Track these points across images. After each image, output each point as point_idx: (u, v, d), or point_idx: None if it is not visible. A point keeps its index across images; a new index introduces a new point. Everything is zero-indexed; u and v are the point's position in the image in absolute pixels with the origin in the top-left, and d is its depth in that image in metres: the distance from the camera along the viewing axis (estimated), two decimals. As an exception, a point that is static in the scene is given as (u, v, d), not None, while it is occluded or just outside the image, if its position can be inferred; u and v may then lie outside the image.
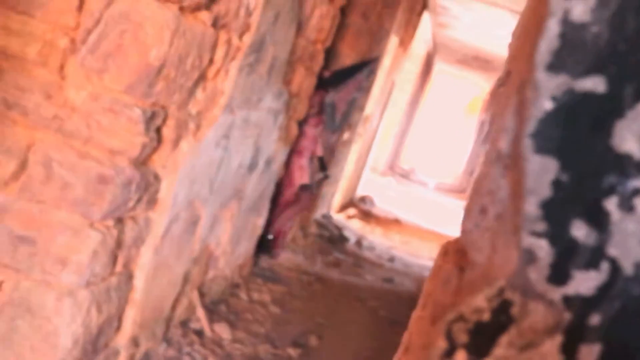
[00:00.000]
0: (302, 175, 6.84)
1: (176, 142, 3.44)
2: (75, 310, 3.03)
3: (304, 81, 5.64)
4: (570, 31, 0.49)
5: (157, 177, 3.39)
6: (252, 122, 4.62)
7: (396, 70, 12.55)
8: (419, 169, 27.05)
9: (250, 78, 4.17)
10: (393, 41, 10.26)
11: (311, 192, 7.00)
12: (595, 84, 0.48)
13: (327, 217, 9.72)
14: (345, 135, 8.97)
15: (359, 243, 9.17)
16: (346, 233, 9.31)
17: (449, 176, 30.00)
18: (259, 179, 5.40)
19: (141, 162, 3.22)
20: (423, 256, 10.13)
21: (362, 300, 6.77)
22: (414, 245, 10.73)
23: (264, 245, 6.81)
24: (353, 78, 7.04)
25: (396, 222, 12.48)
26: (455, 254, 0.53)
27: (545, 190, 0.48)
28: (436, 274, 0.57)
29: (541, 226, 0.48)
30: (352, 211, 11.34)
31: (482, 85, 27.26)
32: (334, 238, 8.75)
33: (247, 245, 5.81)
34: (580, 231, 0.48)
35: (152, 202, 3.44)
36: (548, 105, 0.49)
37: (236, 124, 4.25)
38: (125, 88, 2.98)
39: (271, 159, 5.54)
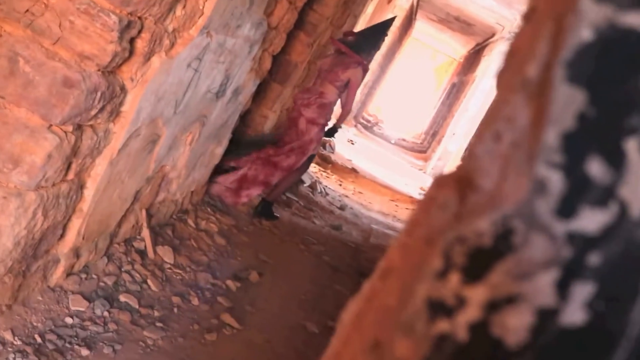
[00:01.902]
0: (315, 147, 6.87)
1: (148, 56, 3.34)
2: (21, 211, 2.95)
3: (284, 15, 5.54)
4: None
5: (123, 89, 3.29)
6: (227, 48, 4.52)
7: (377, 19, 12.45)
8: (384, 123, 27.08)
9: (232, 2, 4.06)
10: (379, -10, 10.14)
11: (312, 160, 7.05)
12: (638, 20, 0.46)
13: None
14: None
15: (312, 187, 9.16)
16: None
17: (411, 134, 30.13)
18: (225, 107, 5.31)
19: (110, 71, 3.12)
20: (373, 209, 10.17)
21: (308, 243, 6.78)
22: (367, 197, 10.76)
23: (266, 211, 6.79)
24: (379, 42, 7.03)
25: (353, 171, 12.49)
26: (456, 181, 0.51)
27: (568, 122, 0.47)
28: (429, 201, 0.55)
29: (558, 158, 0.47)
30: (310, 154, 11.30)
31: (457, 49, 27.28)
32: (289, 178, 8.72)
33: (203, 172, 5.75)
34: (595, 168, 0.47)
35: (115, 113, 3.35)
36: (587, 34, 0.47)
37: (211, 47, 4.16)
38: (105, -8, 2.87)
39: (240, 89, 5.45)
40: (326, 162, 11.77)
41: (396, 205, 11.46)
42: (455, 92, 24.28)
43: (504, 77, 0.54)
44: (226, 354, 4.06)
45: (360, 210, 9.51)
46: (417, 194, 13.29)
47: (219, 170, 6.41)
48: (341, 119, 7.05)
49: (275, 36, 5.71)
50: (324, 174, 10.87)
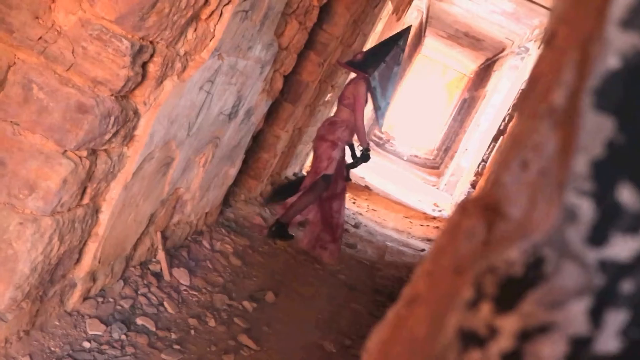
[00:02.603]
0: (328, 166, 6.78)
1: (160, 80, 3.36)
2: (37, 237, 2.96)
3: (295, 35, 5.56)
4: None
5: (136, 113, 3.31)
6: (239, 70, 4.54)
7: (387, 37, 12.47)
8: (396, 139, 27.07)
9: (243, 25, 4.08)
10: (388, 7, 10.17)
11: (329, 182, 6.95)
12: None
13: (298, 176, 9.68)
14: (328, 96, 8.91)
15: (326, 205, 9.15)
16: (315, 194, 9.28)
17: (424, 150, 30.10)
18: (238, 128, 5.33)
19: (123, 96, 3.14)
20: (388, 226, 10.15)
21: (323, 262, 6.77)
22: (381, 214, 10.74)
23: (281, 231, 6.76)
24: (390, 53, 6.96)
25: (366, 189, 12.49)
26: (482, 209, 0.51)
27: (597, 149, 0.47)
28: (455, 229, 0.55)
29: (588, 185, 0.47)
30: (323, 172, 11.29)
31: (467, 64, 27.29)
32: (302, 197, 8.72)
33: (217, 194, 5.76)
34: (626, 195, 0.47)
35: (129, 137, 3.36)
36: (614, 62, 0.47)
37: (222, 69, 4.17)
38: (117, 18, 2.88)
39: (252, 110, 5.47)
40: (339, 180, 11.76)
41: (410, 222, 11.43)
42: (466, 107, 24.26)
43: (527, 104, 0.54)
44: (244, 376, 4.05)
45: (374, 228, 9.49)
46: (431, 210, 13.26)
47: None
48: (360, 139, 6.92)
49: (286, 56, 5.73)
50: (337, 192, 10.86)
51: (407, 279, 5.02)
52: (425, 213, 12.76)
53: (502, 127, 12.07)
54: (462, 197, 13.19)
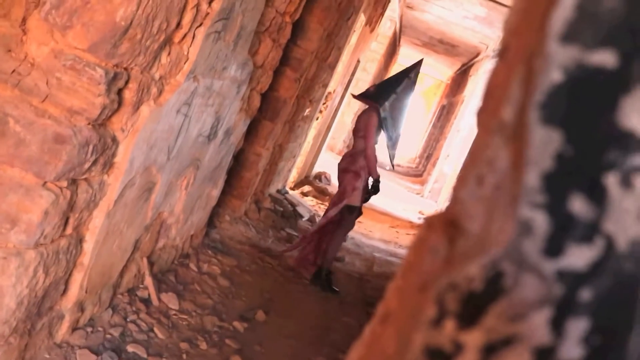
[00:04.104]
0: (352, 198, 6.73)
1: (137, 106, 3.36)
2: (22, 270, 2.94)
3: (269, 53, 5.57)
4: (586, 2, 0.48)
5: (114, 140, 3.31)
6: (215, 90, 4.54)
7: (362, 49, 12.53)
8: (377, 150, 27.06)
9: (216, 45, 4.09)
10: (361, 19, 10.21)
11: (358, 213, 6.90)
12: (605, 58, 0.48)
13: (282, 192, 9.68)
14: (307, 111, 8.92)
15: (312, 220, 9.16)
16: (300, 209, 9.29)
17: (405, 159, 30.17)
18: (218, 149, 5.33)
19: (100, 124, 3.13)
20: (374, 237, 10.16)
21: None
22: (367, 226, 10.75)
23: (326, 279, 6.69)
24: (401, 85, 6.95)
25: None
26: (444, 224, 0.52)
27: (547, 162, 0.48)
28: (421, 244, 0.56)
29: (540, 198, 0.48)
30: (307, 188, 11.32)
31: (443, 71, 27.42)
32: (287, 214, 8.72)
33: (201, 215, 5.75)
34: (578, 205, 0.48)
35: (108, 165, 3.35)
36: (557, 76, 0.48)
37: (199, 91, 4.18)
38: (89, 46, 2.88)
39: (231, 129, 5.47)
40: (323, 194, 11.77)
41: (397, 231, 11.45)
42: (445, 113, 24.36)
43: (482, 118, 0.55)
44: (238, 397, 4.03)
45: (361, 240, 9.49)
46: (417, 219, 13.28)
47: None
48: (370, 170, 6.79)
49: (262, 74, 5.74)
50: (322, 206, 10.87)
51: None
52: (411, 222, 12.79)
53: (481, 132, 12.13)
54: (447, 203, 13.23)
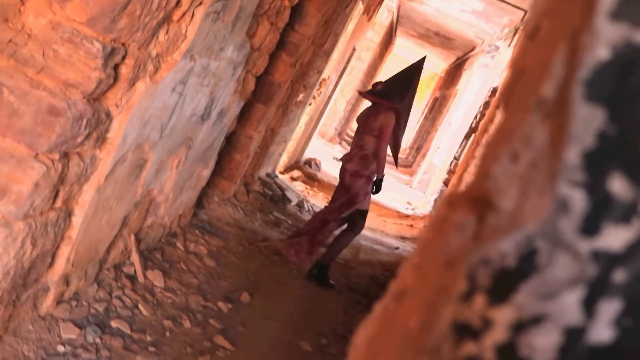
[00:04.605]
0: (365, 203, 6.64)
1: (132, 82, 3.34)
2: (9, 241, 2.93)
3: (266, 36, 5.55)
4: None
5: (108, 115, 3.29)
6: (211, 71, 4.53)
7: (358, 37, 12.50)
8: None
9: (214, 26, 4.07)
10: (359, 7, 10.19)
11: (363, 217, 6.78)
12: None
13: (271, 176, 9.67)
14: (300, 96, 8.91)
15: (300, 205, 9.16)
16: (289, 194, 9.29)
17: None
18: (211, 130, 5.31)
19: (95, 98, 3.12)
20: (361, 226, 10.15)
21: (291, 261, 6.75)
22: (354, 214, 10.74)
23: (320, 273, 6.55)
24: (411, 87, 6.71)
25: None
26: (471, 202, 0.52)
27: (588, 140, 0.48)
28: (442, 222, 0.56)
29: (579, 176, 0.48)
30: (296, 173, 11.31)
31: (438, 63, 27.40)
32: (276, 198, 8.72)
33: (190, 195, 5.74)
34: (617, 185, 0.48)
35: (101, 140, 3.34)
36: (604, 53, 0.48)
37: (195, 71, 4.16)
38: (88, 20, 2.86)
39: (225, 111, 5.45)
40: (312, 180, 11.78)
41: (384, 220, 11.47)
42: (437, 106, 24.36)
43: (514, 97, 0.55)
44: (220, 377, 4.04)
45: (347, 227, 9.49)
46: (404, 209, 13.30)
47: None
48: (379, 169, 6.65)
49: (258, 57, 5.72)
50: (311, 192, 10.87)
51: (381, 277, 5.06)
52: (398, 211, 12.81)
53: (473, 125, 12.14)
54: (435, 194, 13.24)
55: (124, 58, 3.17)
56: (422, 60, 7.21)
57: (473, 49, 17.83)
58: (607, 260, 0.48)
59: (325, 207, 7.08)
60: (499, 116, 0.56)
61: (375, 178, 6.68)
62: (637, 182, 0.48)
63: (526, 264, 0.48)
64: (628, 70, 0.48)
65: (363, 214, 6.66)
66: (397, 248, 9.45)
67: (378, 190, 6.77)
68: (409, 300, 0.54)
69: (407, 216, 12.60)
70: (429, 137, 21.63)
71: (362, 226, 6.81)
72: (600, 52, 0.48)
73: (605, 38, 0.48)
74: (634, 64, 0.48)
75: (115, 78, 3.19)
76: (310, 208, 9.45)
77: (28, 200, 2.91)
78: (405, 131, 7.03)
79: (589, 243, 0.48)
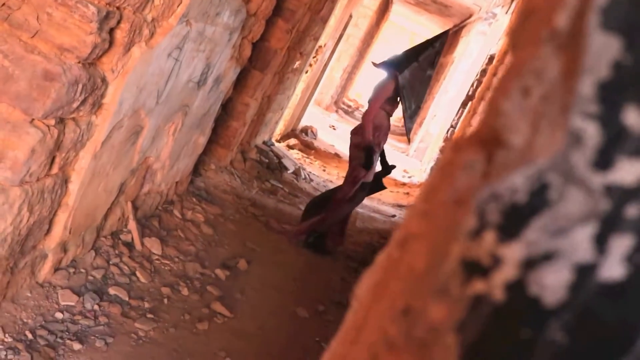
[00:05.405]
0: (367, 174, 6.48)
1: (128, 47, 3.31)
2: (6, 208, 2.92)
3: (263, 2, 5.50)
4: None
5: (104, 81, 3.27)
6: (207, 36, 4.49)
7: (355, 4, 12.42)
8: (365, 107, 27.02)
9: (210, -10, 4.03)
10: (355, -26, 10.10)
11: (367, 190, 6.63)
12: None
13: (268, 144, 9.65)
14: (297, 63, 8.86)
15: (297, 173, 9.15)
16: (285, 162, 9.27)
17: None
18: (207, 96, 5.28)
19: (90, 63, 3.09)
20: (358, 194, 10.15)
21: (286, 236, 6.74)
22: (351, 182, 10.74)
23: (317, 244, 6.47)
24: (423, 54, 6.49)
25: (336, 156, 12.49)
26: (480, 141, 0.50)
27: (603, 71, 0.47)
28: (449, 166, 0.54)
29: (593, 108, 0.47)
30: (293, 141, 11.29)
31: (435, 31, 27.25)
32: (272, 165, 8.71)
33: (187, 162, 5.72)
34: (633, 118, 0.47)
35: (97, 105, 3.32)
36: None
37: (191, 36, 4.13)
38: (82, -18, 2.83)
39: (221, 77, 5.42)
40: (309, 148, 11.76)
41: (380, 188, 11.44)
42: (434, 74, 24.26)
43: (523, 34, 0.53)
44: (218, 343, 4.05)
45: (344, 195, 9.49)
46: (401, 177, 13.30)
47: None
48: (363, 135, 6.39)
49: (254, 23, 5.68)
50: (307, 160, 10.86)
51: (378, 244, 5.06)
52: (395, 179, 12.80)
53: (470, 93, 12.10)
54: (432, 163, 13.24)
55: (119, 22, 3.14)
56: (444, 32, 6.99)
57: (470, 16, 17.73)
58: (620, 195, 0.47)
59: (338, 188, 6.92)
60: (508, 60, 0.54)
61: (378, 151, 6.56)
62: (652, 115, 0.47)
63: (537, 199, 0.47)
64: None
65: (364, 186, 6.59)
66: (394, 216, 9.46)
67: (366, 163, 6.43)
68: (414, 244, 0.53)
69: (404, 184, 12.61)
70: (425, 105, 21.57)
71: (362, 197, 6.73)
72: (618, -22, 0.46)
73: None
74: None
75: (111, 43, 3.16)
76: (307, 176, 9.44)
77: (24, 166, 2.90)
78: (421, 103, 6.80)
79: (602, 177, 0.47)
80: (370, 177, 6.55)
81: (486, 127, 0.50)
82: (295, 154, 10.67)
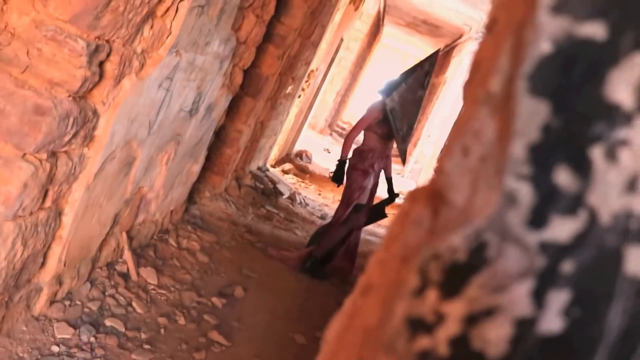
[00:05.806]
0: (360, 196, 6.56)
1: (118, 79, 3.34)
2: (-1, 243, 2.93)
3: (252, 29, 5.54)
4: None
5: (95, 113, 3.28)
6: (197, 66, 4.52)
7: (345, 27, 12.48)
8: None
9: (199, 20, 4.06)
10: (345, -2, 10.17)
11: (364, 213, 6.69)
12: (595, 30, 0.49)
13: (262, 169, 9.66)
14: (289, 88, 8.90)
15: (292, 198, 9.15)
16: (280, 187, 9.28)
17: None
18: (199, 124, 5.30)
19: (81, 96, 3.11)
20: (354, 216, 10.16)
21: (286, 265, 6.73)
22: (347, 205, 10.74)
23: (314, 269, 6.47)
24: (412, 75, 6.51)
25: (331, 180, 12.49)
26: (428, 196, 0.52)
27: (533, 133, 0.49)
28: (404, 217, 0.56)
29: (525, 169, 0.48)
30: (288, 166, 11.30)
31: (426, 51, 27.38)
32: (267, 191, 8.71)
33: (181, 191, 5.73)
34: (563, 177, 0.48)
35: (89, 138, 3.33)
36: (547, 47, 0.49)
37: (181, 66, 4.15)
38: (71, 18, 2.85)
39: (213, 105, 5.44)
40: (304, 172, 11.77)
41: (376, 210, 11.44)
42: (427, 94, 24.33)
43: (469, 90, 0.55)
44: (216, 372, 4.04)
45: (341, 218, 9.49)
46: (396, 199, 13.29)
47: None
48: (342, 149, 6.57)
49: (245, 51, 5.71)
50: (303, 184, 10.87)
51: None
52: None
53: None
54: (431, 175, 13.25)
55: (108, 55, 3.16)
56: (434, 52, 7.01)
57: (461, 36, 17.82)
58: (555, 252, 0.49)
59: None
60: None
61: (375, 175, 6.63)
62: (581, 174, 0.48)
63: (476, 258, 0.49)
64: (570, 64, 0.48)
65: (357, 207, 6.62)
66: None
67: (335, 176, 6.56)
68: (372, 295, 0.55)
69: (399, 206, 12.62)
70: (419, 126, 21.61)
71: (356, 219, 6.71)
72: (543, 45, 0.48)
73: (548, 31, 0.48)
74: (576, 57, 0.48)
75: (101, 75, 3.18)
76: (303, 200, 9.44)
77: (17, 200, 2.91)
78: (413, 124, 6.72)
79: (537, 235, 0.49)
80: (364, 199, 6.57)
81: (433, 182, 0.52)
82: (290, 179, 10.68)
